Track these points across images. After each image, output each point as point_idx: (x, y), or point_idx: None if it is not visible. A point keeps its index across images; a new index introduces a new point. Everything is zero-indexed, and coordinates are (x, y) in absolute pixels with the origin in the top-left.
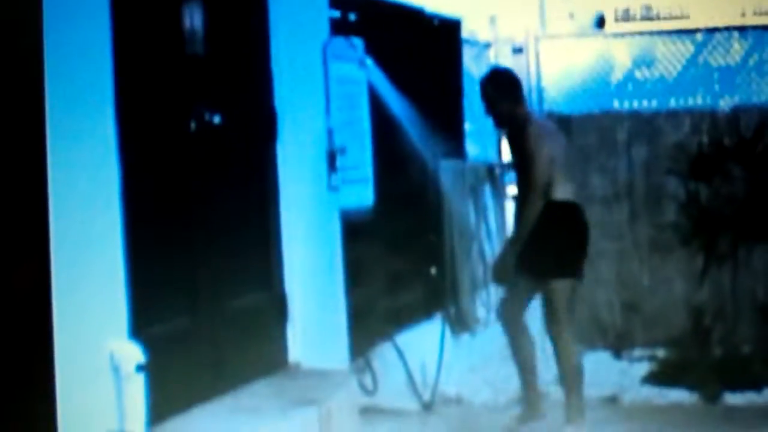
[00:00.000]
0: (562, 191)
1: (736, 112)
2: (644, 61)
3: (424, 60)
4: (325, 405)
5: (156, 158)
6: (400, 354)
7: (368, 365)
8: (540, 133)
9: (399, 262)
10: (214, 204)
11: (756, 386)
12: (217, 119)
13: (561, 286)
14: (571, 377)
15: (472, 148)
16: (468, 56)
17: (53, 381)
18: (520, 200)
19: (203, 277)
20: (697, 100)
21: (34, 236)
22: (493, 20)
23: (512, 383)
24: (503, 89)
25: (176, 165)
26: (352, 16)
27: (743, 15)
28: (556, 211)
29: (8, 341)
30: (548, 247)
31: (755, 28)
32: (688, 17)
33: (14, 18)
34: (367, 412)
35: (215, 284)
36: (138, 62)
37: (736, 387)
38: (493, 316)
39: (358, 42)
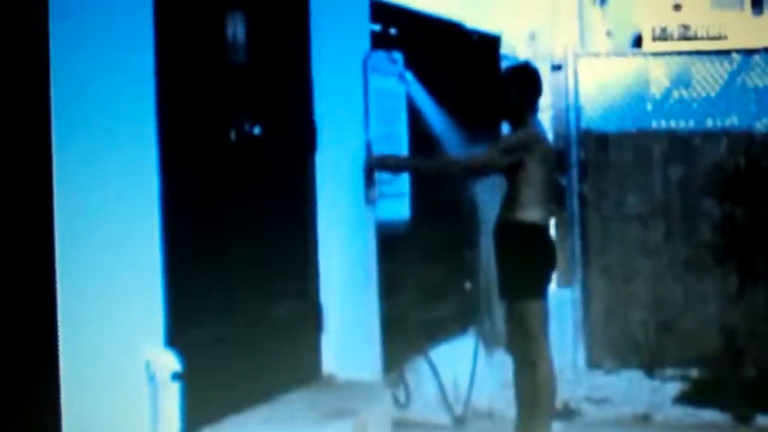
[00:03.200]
0: (533, 214)
1: None
2: (681, 80)
3: (463, 75)
4: (360, 417)
5: (196, 167)
6: (434, 368)
7: (402, 378)
8: (523, 136)
9: (434, 275)
10: (252, 213)
11: None
12: (257, 130)
13: (535, 308)
14: (546, 400)
15: None
16: None
17: (58, 387)
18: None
19: (239, 286)
20: (734, 121)
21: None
22: (532, 36)
23: None
24: (527, 85)
25: (215, 174)
26: (392, 30)
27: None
28: (523, 233)
29: (14, 346)
30: (519, 269)
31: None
32: (725, 38)
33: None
34: (399, 425)
35: (251, 293)
36: (180, 70)
37: None
38: None
39: (398, 56)
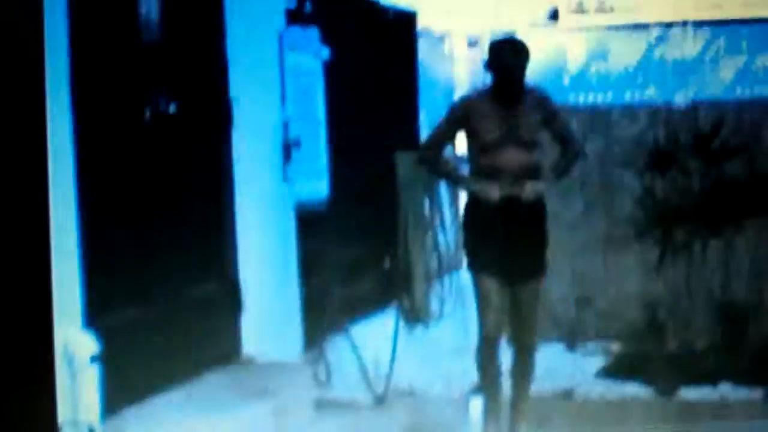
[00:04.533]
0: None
1: (692, 107)
2: (599, 54)
3: (379, 51)
4: (280, 397)
5: (111, 146)
6: (354, 346)
7: (322, 357)
8: (471, 105)
9: (353, 253)
10: (169, 193)
11: (711, 381)
12: (172, 108)
13: (538, 286)
14: (530, 384)
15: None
16: (423, 48)
17: (53, 379)
18: None
19: (158, 267)
20: (652, 94)
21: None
22: (448, 13)
23: (465, 376)
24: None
25: (131, 153)
26: (308, 6)
27: (698, 9)
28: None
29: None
30: (520, 245)
31: (711, 22)
32: (642, 10)
33: None
34: (320, 404)
35: (170, 274)
36: (93, 49)
37: (691, 381)
38: (447, 308)
39: (313, 32)
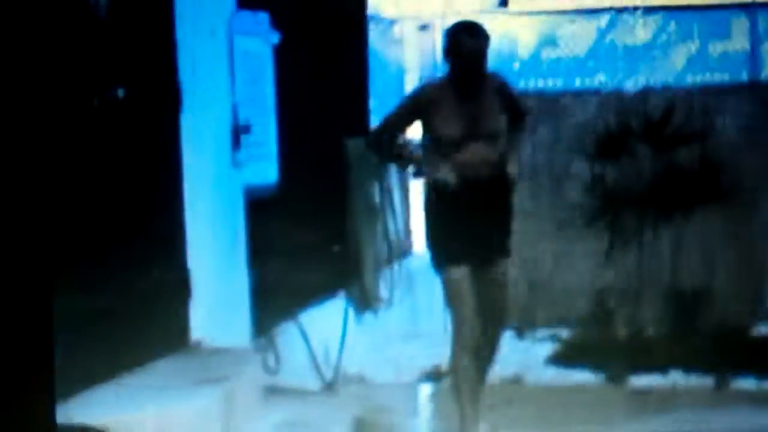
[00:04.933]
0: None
1: (643, 93)
2: (549, 40)
3: (329, 36)
4: (229, 384)
5: (58, 132)
6: (303, 333)
7: (271, 344)
8: (429, 95)
9: (303, 239)
10: (117, 179)
11: (661, 368)
12: (120, 93)
13: (507, 268)
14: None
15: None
16: (373, 33)
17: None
18: None
19: (106, 254)
20: (603, 80)
21: None
22: None
23: (415, 362)
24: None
25: (78, 139)
26: None
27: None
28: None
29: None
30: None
31: (662, 8)
32: None
33: None
34: (269, 391)
35: (119, 261)
36: (40, 33)
37: (641, 368)
38: (396, 294)
39: (263, 16)
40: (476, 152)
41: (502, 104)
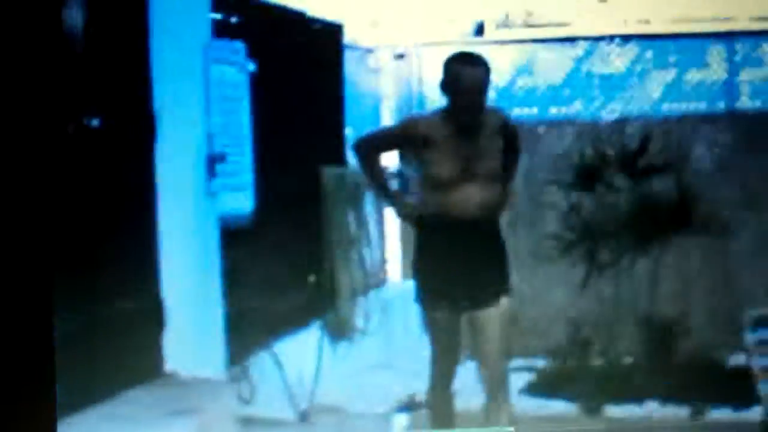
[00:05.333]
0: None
1: (619, 122)
2: (525, 68)
3: (306, 64)
4: (203, 414)
5: (31, 160)
6: (278, 362)
7: (245, 374)
8: (424, 129)
9: (278, 269)
10: (91, 208)
11: (637, 398)
12: (95, 122)
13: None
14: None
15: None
16: (349, 62)
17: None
18: None
19: (79, 282)
20: (580, 110)
21: None
22: (375, 25)
23: (390, 392)
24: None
25: (52, 168)
26: (234, 19)
27: (626, 23)
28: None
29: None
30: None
31: (639, 37)
32: (570, 25)
33: None
34: (243, 421)
35: (91, 289)
36: (14, 60)
37: (617, 399)
38: (372, 324)
39: (239, 45)
40: (471, 194)
41: (502, 143)
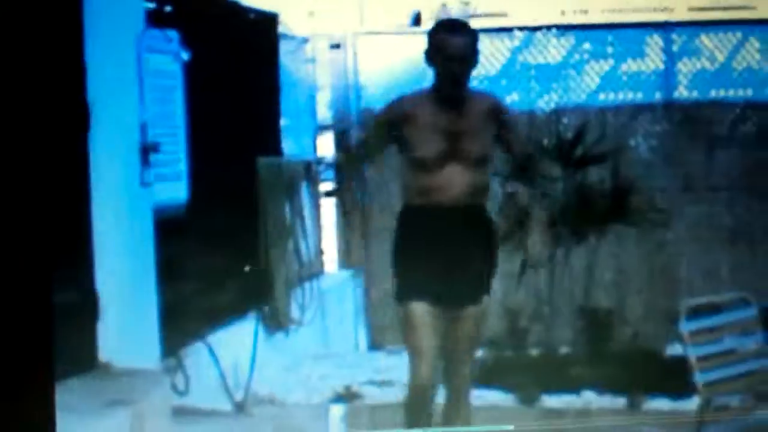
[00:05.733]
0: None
1: (556, 113)
2: None
3: (240, 54)
4: (137, 405)
5: None
6: (213, 353)
7: (180, 365)
8: (409, 108)
9: (213, 259)
10: (21, 199)
11: (574, 388)
12: (26, 110)
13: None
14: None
15: (288, 145)
16: (285, 51)
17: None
18: None
19: (9, 276)
20: (517, 100)
21: None
22: (311, 15)
23: (326, 383)
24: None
25: None
26: (167, 8)
27: (563, 14)
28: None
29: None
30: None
31: (575, 27)
32: (506, 15)
33: None
34: (179, 412)
35: (22, 283)
36: None
37: (554, 389)
38: (308, 315)
39: (173, 34)
40: (456, 177)
41: (495, 128)
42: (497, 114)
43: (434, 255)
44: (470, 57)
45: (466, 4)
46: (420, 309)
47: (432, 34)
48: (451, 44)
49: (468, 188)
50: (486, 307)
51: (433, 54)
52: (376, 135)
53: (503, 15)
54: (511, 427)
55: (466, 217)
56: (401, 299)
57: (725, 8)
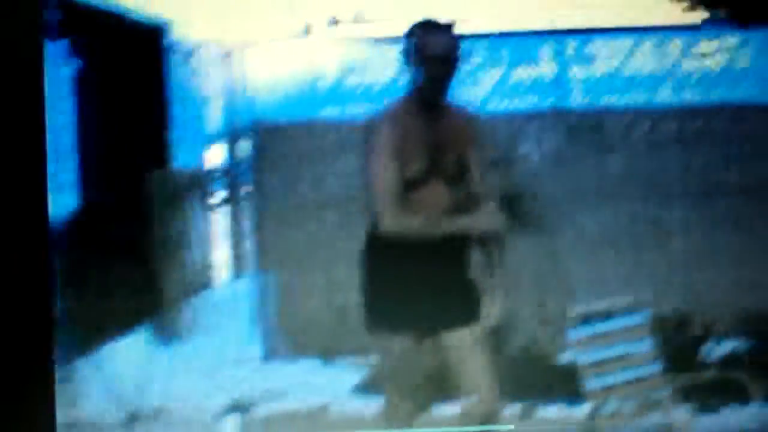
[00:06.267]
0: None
1: None
2: (355, 67)
3: (130, 63)
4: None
5: None
6: (104, 365)
7: (71, 376)
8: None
9: (103, 270)
10: None
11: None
12: None
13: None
14: None
15: (178, 155)
16: (174, 61)
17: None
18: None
19: None
20: None
21: None
22: (201, 24)
23: (218, 394)
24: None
25: None
26: (57, 18)
27: (456, 20)
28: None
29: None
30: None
31: (470, 34)
32: (399, 23)
33: None
34: (68, 425)
35: None
36: None
37: (447, 396)
38: (198, 325)
39: (62, 44)
40: (438, 194)
41: (471, 141)
42: (471, 131)
43: (411, 281)
44: (452, 58)
45: (359, 12)
46: (397, 344)
47: (413, 35)
48: (433, 44)
49: (451, 207)
50: (479, 337)
51: (412, 54)
52: (399, 184)
53: (395, 23)
54: (512, 427)
55: (447, 238)
56: (376, 333)
57: (618, 14)
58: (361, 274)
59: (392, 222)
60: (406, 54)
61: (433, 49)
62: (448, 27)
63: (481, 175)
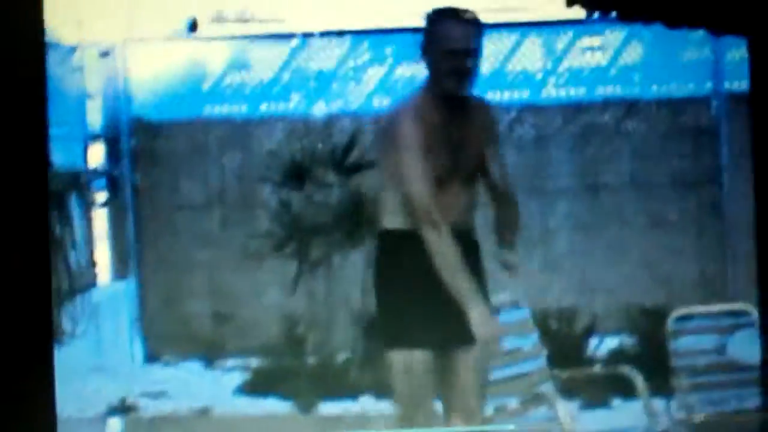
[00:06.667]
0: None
1: (329, 119)
2: (238, 65)
3: (6, 63)
4: None
5: None
6: None
7: None
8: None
9: None
10: None
11: (352, 394)
12: None
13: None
14: None
15: (58, 155)
16: (53, 60)
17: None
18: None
19: None
20: (293, 106)
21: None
22: (79, 23)
23: (101, 396)
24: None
25: None
26: None
27: (342, 18)
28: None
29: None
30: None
31: (352, 32)
32: (283, 21)
33: None
34: None
35: None
36: None
37: (332, 395)
38: (80, 327)
39: None
40: (456, 198)
41: (492, 136)
42: (491, 122)
43: (427, 289)
44: (475, 50)
45: (244, 10)
46: (412, 357)
47: (432, 22)
48: (454, 33)
49: (467, 211)
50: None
51: (433, 45)
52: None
53: (280, 21)
54: (512, 427)
55: (464, 244)
56: (389, 344)
57: (500, 10)
58: (373, 276)
59: (429, 220)
60: (421, 45)
61: (445, 41)
62: (469, 13)
63: (501, 172)
